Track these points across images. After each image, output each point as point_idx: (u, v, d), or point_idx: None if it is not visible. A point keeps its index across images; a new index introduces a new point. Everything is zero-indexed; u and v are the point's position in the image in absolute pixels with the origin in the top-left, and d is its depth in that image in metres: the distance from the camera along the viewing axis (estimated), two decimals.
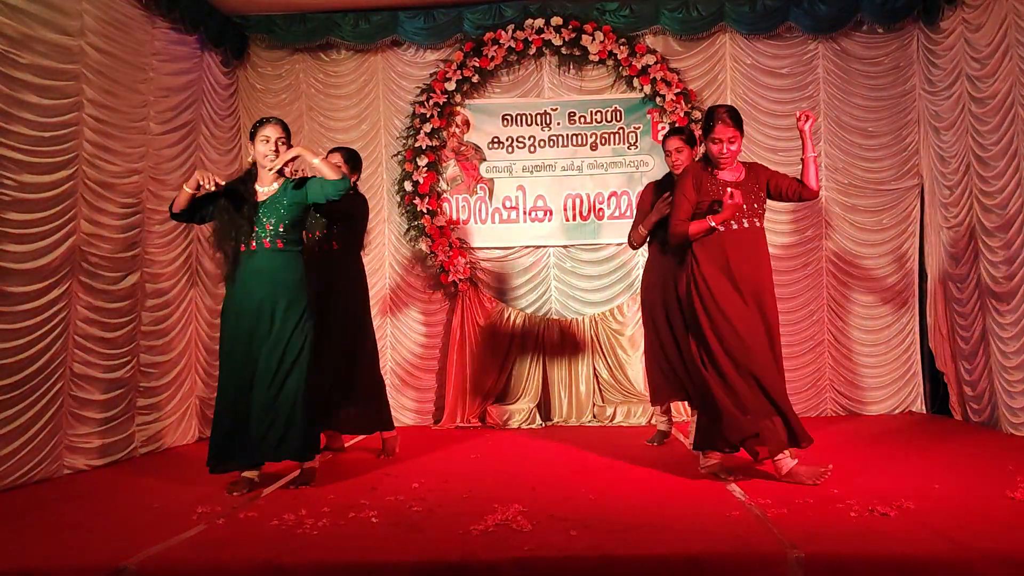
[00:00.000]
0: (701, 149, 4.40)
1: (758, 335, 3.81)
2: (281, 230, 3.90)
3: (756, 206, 3.91)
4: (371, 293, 5.31)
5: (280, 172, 3.99)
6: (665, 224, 4.41)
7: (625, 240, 5.11)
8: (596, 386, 6.32)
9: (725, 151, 3.86)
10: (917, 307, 6.28)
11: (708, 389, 3.83)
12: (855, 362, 6.29)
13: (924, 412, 6.21)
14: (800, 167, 3.92)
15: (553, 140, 6.48)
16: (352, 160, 4.81)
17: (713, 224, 3.83)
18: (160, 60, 5.41)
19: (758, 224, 3.92)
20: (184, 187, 3.87)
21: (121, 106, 4.99)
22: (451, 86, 6.34)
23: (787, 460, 3.79)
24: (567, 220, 6.46)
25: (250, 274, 3.87)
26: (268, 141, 3.92)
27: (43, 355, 4.34)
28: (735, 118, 3.88)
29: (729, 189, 3.80)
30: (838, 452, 4.69)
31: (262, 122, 3.98)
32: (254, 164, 4.00)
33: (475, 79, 6.40)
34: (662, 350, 4.83)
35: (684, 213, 3.94)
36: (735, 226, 3.87)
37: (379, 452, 4.90)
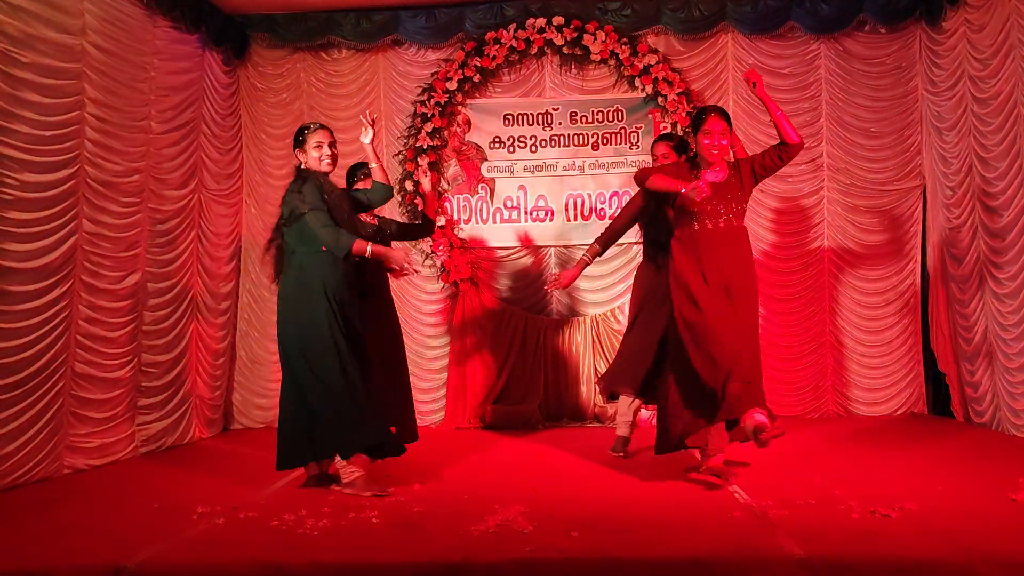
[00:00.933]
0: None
1: (728, 321, 3.81)
2: None
3: (734, 206, 3.93)
4: None
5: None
6: (659, 232, 4.48)
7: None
8: (597, 386, 6.31)
9: (716, 144, 3.88)
10: (919, 308, 6.26)
11: (666, 386, 3.93)
12: (857, 363, 6.27)
13: (926, 413, 6.20)
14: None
15: (554, 140, 6.47)
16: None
17: (683, 191, 3.78)
18: (161, 59, 5.40)
19: (735, 223, 3.94)
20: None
21: (122, 105, 4.99)
22: (452, 85, 6.34)
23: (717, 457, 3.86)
24: (568, 220, 6.45)
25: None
26: (322, 146, 3.99)
27: (44, 354, 4.33)
28: (725, 114, 3.96)
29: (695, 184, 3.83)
30: (840, 453, 4.69)
31: (312, 127, 4.05)
32: (305, 168, 3.97)
33: (476, 78, 6.39)
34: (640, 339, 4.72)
35: (664, 173, 4.02)
36: (710, 225, 3.91)
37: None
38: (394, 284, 5.10)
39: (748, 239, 4.03)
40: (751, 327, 3.90)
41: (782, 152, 3.91)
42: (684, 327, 3.87)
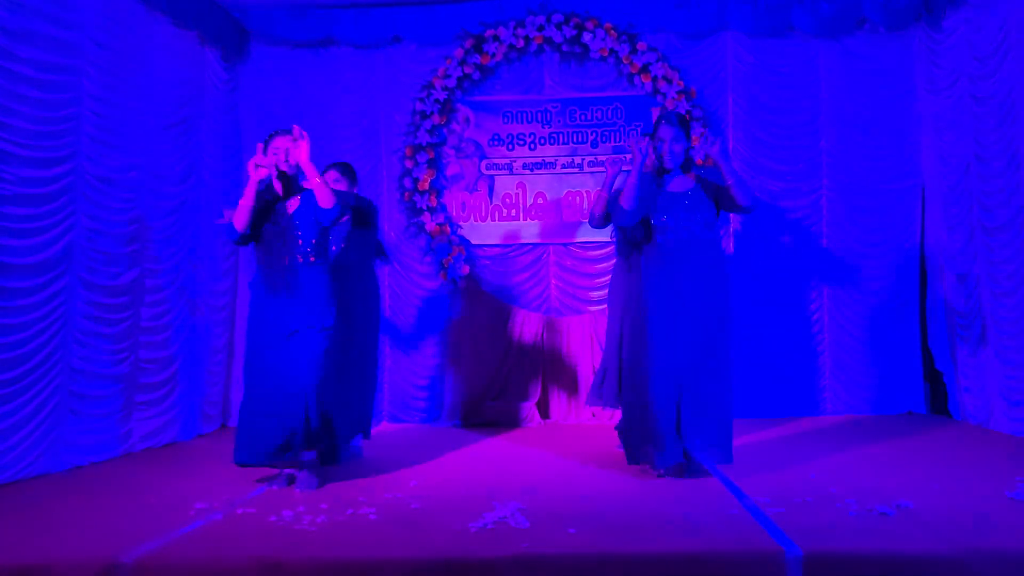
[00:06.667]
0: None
1: (688, 344, 3.85)
2: (314, 243, 3.93)
3: (700, 217, 3.93)
4: None
5: (299, 185, 3.99)
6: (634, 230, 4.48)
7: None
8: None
9: (667, 151, 3.92)
10: (917, 307, 6.27)
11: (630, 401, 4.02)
12: (855, 362, 6.28)
13: (924, 412, 6.21)
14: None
15: (553, 137, 6.47)
16: (348, 174, 4.78)
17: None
18: (160, 55, 5.39)
19: (697, 233, 3.93)
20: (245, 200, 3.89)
21: (121, 101, 4.97)
22: (452, 83, 6.33)
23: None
24: (567, 218, 6.45)
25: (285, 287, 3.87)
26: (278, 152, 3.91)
27: (41, 349, 4.33)
28: (681, 120, 3.96)
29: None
30: (837, 451, 4.69)
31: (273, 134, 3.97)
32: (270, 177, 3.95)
33: (476, 76, 6.39)
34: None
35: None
36: (685, 236, 3.92)
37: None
38: (384, 277, 5.07)
39: (717, 251, 3.99)
40: (715, 347, 3.88)
41: (733, 209, 3.96)
42: (646, 346, 3.90)
